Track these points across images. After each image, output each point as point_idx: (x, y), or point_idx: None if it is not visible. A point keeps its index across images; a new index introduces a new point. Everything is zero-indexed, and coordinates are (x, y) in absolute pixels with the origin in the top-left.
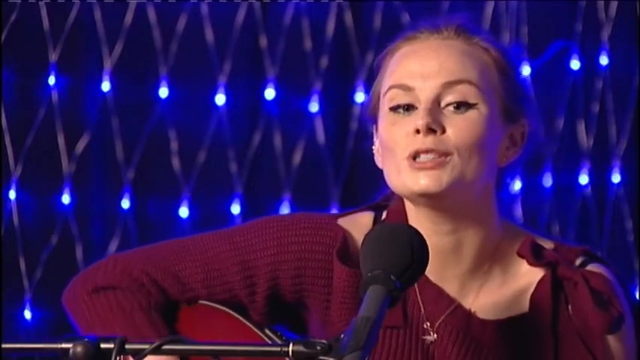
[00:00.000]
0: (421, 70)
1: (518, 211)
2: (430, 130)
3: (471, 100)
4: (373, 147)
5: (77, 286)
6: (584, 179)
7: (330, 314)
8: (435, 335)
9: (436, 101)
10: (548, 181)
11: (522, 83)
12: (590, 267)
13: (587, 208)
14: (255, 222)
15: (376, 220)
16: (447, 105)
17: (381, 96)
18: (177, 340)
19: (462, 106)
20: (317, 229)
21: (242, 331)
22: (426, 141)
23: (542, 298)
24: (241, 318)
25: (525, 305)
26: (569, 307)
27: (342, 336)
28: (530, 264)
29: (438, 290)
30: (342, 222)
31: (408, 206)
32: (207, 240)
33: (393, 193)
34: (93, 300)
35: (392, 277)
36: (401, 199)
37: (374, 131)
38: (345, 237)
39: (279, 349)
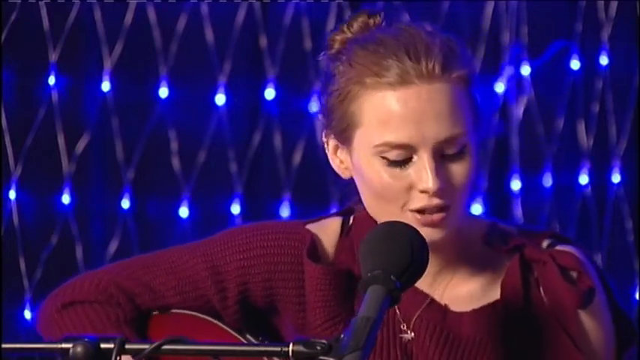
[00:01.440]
0: (418, 129)
1: (519, 211)
2: (439, 191)
3: (461, 145)
4: (333, 157)
5: (47, 306)
6: (584, 179)
7: (305, 317)
8: (412, 333)
9: (436, 156)
10: (548, 181)
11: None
12: (557, 247)
13: (587, 208)
14: (223, 232)
15: (344, 225)
16: (445, 155)
17: (368, 139)
18: (178, 339)
19: (458, 153)
20: (284, 233)
21: (222, 335)
22: (434, 200)
23: (512, 282)
24: (219, 323)
25: (497, 292)
26: (541, 288)
27: (342, 336)
28: (499, 250)
29: (411, 287)
30: (310, 227)
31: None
32: (176, 252)
33: (360, 200)
34: (62, 316)
35: (392, 277)
36: None
37: (330, 138)
38: (314, 239)
39: (279, 349)
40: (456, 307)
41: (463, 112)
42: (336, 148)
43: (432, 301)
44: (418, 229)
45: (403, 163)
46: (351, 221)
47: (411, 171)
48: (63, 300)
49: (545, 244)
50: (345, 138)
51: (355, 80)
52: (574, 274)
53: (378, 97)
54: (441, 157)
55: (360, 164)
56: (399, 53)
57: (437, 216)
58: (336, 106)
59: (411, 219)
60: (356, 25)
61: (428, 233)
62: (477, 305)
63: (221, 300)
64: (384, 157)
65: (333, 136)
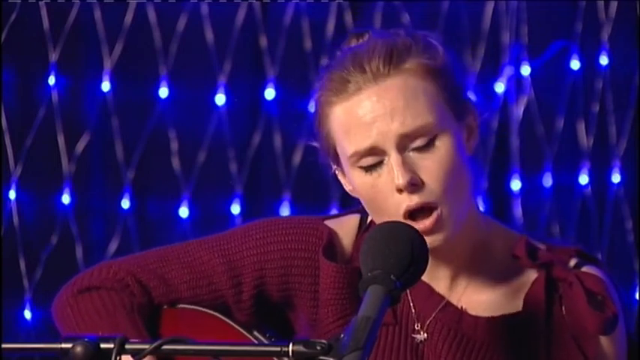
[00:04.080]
0: (377, 130)
1: (518, 211)
2: (412, 186)
3: (430, 136)
4: (343, 181)
5: (63, 292)
6: (584, 179)
7: (318, 313)
8: (426, 335)
9: (402, 151)
10: (548, 181)
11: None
12: (584, 268)
13: (587, 208)
14: (240, 226)
15: (362, 222)
16: (412, 150)
17: (343, 154)
18: (178, 340)
19: (425, 146)
20: (302, 228)
21: (229, 332)
22: (413, 197)
23: (536, 298)
24: (227, 320)
25: (519, 304)
26: (563, 307)
27: (342, 336)
28: (526, 265)
29: (428, 288)
30: (328, 223)
31: None
32: (193, 245)
33: None
34: (77, 301)
35: (392, 276)
36: None
37: (328, 154)
38: (331, 235)
39: (279, 348)
40: (473, 311)
41: (424, 102)
42: (342, 171)
43: (448, 304)
44: None
45: (377, 167)
46: (369, 218)
47: (385, 174)
48: (80, 286)
49: (572, 262)
50: (334, 159)
51: (322, 101)
52: (599, 298)
53: (338, 111)
54: (412, 151)
55: (350, 179)
56: (349, 67)
57: (428, 221)
58: (319, 131)
59: None
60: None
61: (429, 240)
62: (496, 313)
63: (235, 295)
64: (360, 167)
65: (331, 160)
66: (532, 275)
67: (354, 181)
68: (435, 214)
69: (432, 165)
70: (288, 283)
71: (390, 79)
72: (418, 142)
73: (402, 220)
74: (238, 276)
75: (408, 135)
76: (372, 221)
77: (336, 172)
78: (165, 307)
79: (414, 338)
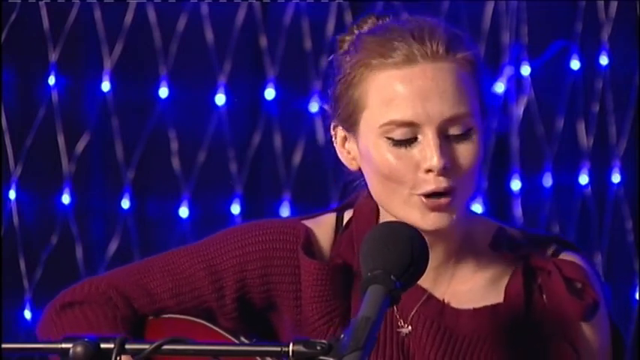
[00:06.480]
0: (423, 106)
1: (518, 211)
2: (444, 169)
3: (467, 128)
4: (341, 150)
5: (47, 310)
6: (584, 179)
7: (301, 312)
8: (410, 327)
9: (442, 135)
10: (548, 181)
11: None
12: (562, 255)
13: (587, 208)
14: (219, 232)
15: (338, 220)
16: (449, 136)
17: (374, 120)
18: (178, 340)
19: (463, 135)
20: (280, 227)
21: (216, 339)
22: (441, 180)
23: (516, 288)
24: (213, 326)
25: (500, 295)
26: (544, 295)
27: (342, 336)
28: (504, 255)
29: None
30: (306, 222)
31: (383, 211)
32: (174, 254)
33: (358, 195)
34: (60, 316)
35: (392, 276)
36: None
37: (338, 130)
38: (309, 234)
39: (279, 348)
40: (455, 303)
41: (468, 93)
42: (344, 139)
43: (430, 296)
44: (425, 214)
45: (408, 142)
46: (346, 217)
47: (416, 151)
48: (62, 302)
49: (550, 250)
50: (351, 124)
51: (362, 63)
52: (578, 285)
53: (383, 77)
54: (446, 137)
55: (367, 149)
56: (404, 35)
57: (444, 200)
58: (342, 93)
59: (418, 203)
60: (366, 27)
61: (436, 219)
62: (477, 305)
63: (218, 299)
64: (389, 138)
65: (340, 126)
66: (511, 265)
67: (374, 151)
68: (451, 196)
69: (465, 154)
70: (270, 284)
71: (446, 62)
72: (456, 130)
73: (416, 198)
74: (220, 280)
75: (450, 120)
76: (349, 221)
77: (335, 134)
78: (150, 317)
79: (399, 332)
